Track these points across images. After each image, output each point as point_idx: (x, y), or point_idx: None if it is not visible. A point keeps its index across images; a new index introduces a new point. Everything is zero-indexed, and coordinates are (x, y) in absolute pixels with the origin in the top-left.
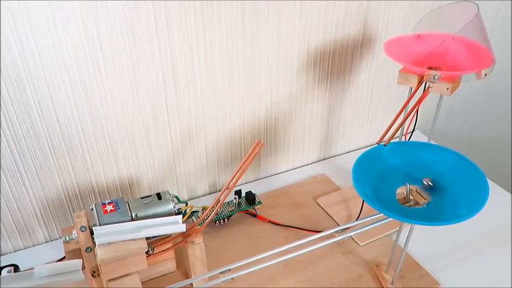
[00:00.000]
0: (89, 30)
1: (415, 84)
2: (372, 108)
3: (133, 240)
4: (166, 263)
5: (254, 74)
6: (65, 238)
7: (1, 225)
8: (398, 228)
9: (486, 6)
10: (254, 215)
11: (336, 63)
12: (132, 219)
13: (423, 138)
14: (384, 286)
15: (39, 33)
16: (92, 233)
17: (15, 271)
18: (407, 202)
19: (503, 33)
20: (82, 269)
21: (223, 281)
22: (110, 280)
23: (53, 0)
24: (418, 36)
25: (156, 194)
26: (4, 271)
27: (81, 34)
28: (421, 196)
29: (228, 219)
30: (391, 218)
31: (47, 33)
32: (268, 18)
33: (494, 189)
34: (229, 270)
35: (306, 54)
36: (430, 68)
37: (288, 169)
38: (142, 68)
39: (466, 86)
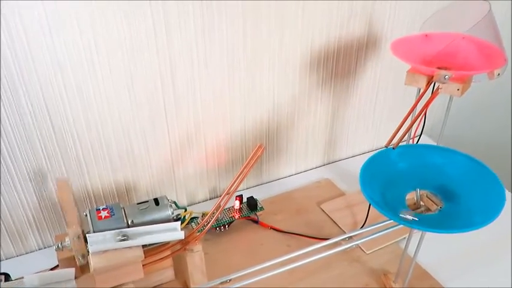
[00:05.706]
0: (84, 32)
1: (423, 85)
2: (377, 111)
3: (129, 248)
4: (164, 271)
5: (255, 75)
6: (58, 245)
7: None
8: (407, 236)
9: (495, 3)
10: (256, 222)
11: (340, 64)
12: (128, 226)
13: (430, 143)
14: None
15: (32, 34)
16: (85, 240)
17: (6, 280)
18: (417, 208)
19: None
20: (75, 278)
21: None
22: None
23: (47, 0)
24: (426, 35)
25: (154, 199)
26: None
27: (76, 35)
28: (433, 202)
29: (228, 226)
30: (401, 225)
31: (41, 35)
32: (270, 19)
33: (508, 195)
34: (230, 280)
35: (309, 55)
36: (439, 69)
37: (290, 174)
38: (139, 70)
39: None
